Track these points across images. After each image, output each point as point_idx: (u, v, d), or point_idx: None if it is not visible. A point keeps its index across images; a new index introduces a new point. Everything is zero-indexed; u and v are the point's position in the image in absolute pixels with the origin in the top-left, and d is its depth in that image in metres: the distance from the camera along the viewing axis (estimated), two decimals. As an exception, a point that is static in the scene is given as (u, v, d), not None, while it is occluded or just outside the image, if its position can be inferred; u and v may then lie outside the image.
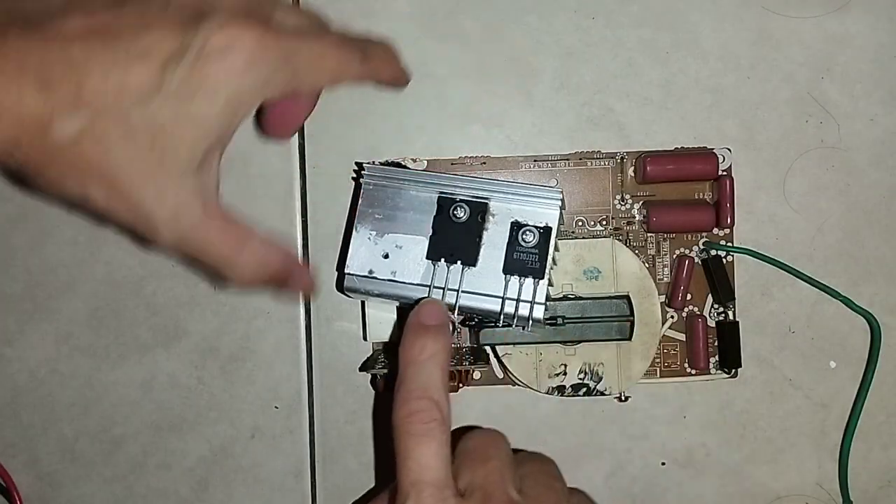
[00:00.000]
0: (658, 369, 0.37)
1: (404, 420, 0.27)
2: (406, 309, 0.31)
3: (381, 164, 0.35)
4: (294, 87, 0.28)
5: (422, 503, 0.26)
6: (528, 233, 0.32)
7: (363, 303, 0.36)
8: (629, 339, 0.34)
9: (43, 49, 0.24)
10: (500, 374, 0.37)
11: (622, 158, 0.37)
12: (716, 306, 0.37)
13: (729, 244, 0.37)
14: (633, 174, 0.37)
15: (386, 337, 0.37)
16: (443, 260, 0.32)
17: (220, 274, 0.29)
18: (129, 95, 0.24)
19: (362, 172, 0.33)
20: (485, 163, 0.37)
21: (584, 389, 0.35)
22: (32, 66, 0.24)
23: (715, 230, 0.37)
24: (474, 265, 0.32)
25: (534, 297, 0.31)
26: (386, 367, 0.35)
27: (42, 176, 0.25)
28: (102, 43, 0.24)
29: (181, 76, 0.25)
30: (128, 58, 0.24)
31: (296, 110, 0.32)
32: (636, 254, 0.36)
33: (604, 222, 0.37)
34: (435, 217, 0.32)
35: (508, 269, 0.32)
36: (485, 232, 0.32)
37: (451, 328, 0.30)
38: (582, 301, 0.35)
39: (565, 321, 0.34)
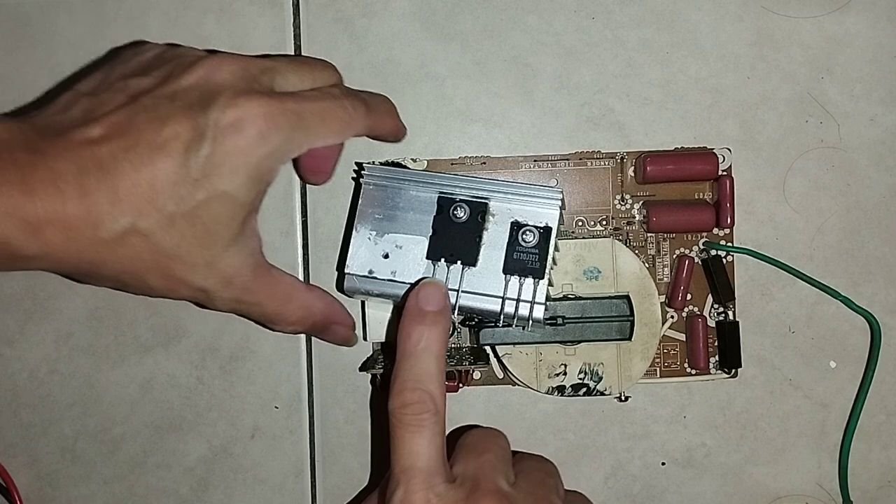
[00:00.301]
0: (658, 369, 0.37)
1: (398, 411, 0.28)
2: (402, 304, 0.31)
3: (381, 164, 0.35)
4: (308, 146, 0.29)
5: (411, 489, 0.27)
6: (528, 233, 0.32)
7: (363, 303, 0.36)
8: (629, 339, 0.35)
9: (75, 156, 0.25)
10: (500, 374, 0.37)
11: (622, 158, 0.37)
12: (716, 306, 0.37)
13: (729, 244, 0.37)
14: (633, 174, 0.37)
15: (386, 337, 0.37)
16: (443, 260, 0.32)
17: (269, 324, 0.32)
18: (161, 187, 0.26)
19: (362, 172, 0.33)
20: (485, 163, 0.37)
21: (584, 389, 0.35)
22: (69, 174, 0.25)
23: (715, 230, 0.37)
24: (474, 265, 0.32)
25: (534, 297, 0.31)
26: (386, 367, 0.35)
27: (98, 274, 0.27)
28: (125, 143, 0.26)
29: (203, 158, 0.27)
30: (151, 152, 0.26)
31: (326, 156, 0.33)
32: (636, 254, 0.36)
33: (604, 222, 0.37)
34: (435, 217, 0.32)
35: (508, 269, 0.32)
36: (485, 232, 0.32)
37: (450, 311, 0.30)
38: (582, 301, 0.35)
39: (565, 321, 0.34)
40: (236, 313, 0.31)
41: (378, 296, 0.32)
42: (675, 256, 0.37)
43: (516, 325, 0.32)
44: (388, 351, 0.37)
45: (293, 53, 0.37)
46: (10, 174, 0.24)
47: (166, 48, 0.30)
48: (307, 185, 0.38)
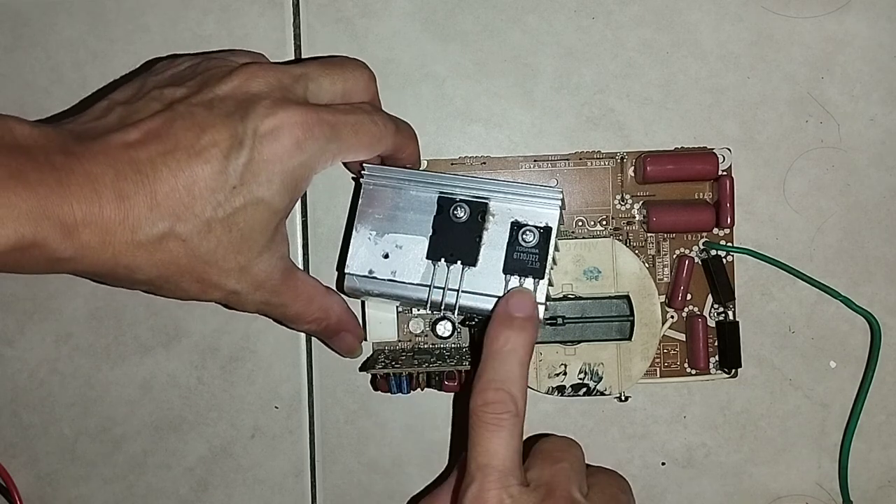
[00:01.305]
0: (658, 369, 0.37)
1: (479, 409, 0.28)
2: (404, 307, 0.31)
3: (382, 163, 0.35)
4: (341, 157, 0.30)
5: (486, 486, 0.27)
6: (528, 233, 0.32)
7: (363, 303, 0.36)
8: (629, 339, 0.35)
9: (112, 160, 0.26)
10: (500, 374, 0.37)
11: (622, 158, 0.37)
12: (716, 306, 0.37)
13: (729, 244, 0.37)
14: (633, 174, 0.37)
15: (386, 337, 0.37)
16: (443, 260, 0.32)
17: (288, 322, 0.33)
18: (199, 192, 0.26)
19: (362, 172, 0.33)
20: (485, 163, 0.37)
21: (584, 389, 0.35)
22: (106, 177, 0.25)
23: (715, 230, 0.37)
24: (474, 265, 0.32)
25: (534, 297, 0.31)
26: (386, 366, 0.35)
27: (132, 278, 0.27)
28: (164, 147, 0.26)
29: (242, 165, 0.27)
30: (190, 158, 0.26)
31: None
32: (636, 254, 0.36)
33: (604, 222, 0.37)
34: (435, 217, 0.32)
35: (508, 269, 0.31)
36: (485, 232, 0.32)
37: (539, 320, 0.31)
38: (582, 301, 0.35)
39: (565, 321, 0.34)
40: (261, 313, 0.32)
41: (378, 296, 0.32)
42: (675, 256, 0.37)
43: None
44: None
45: (293, 54, 0.37)
46: (47, 176, 0.24)
47: (201, 59, 0.31)
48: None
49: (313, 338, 0.38)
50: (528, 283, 0.31)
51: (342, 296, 0.34)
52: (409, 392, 0.35)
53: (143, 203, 0.26)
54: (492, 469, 0.27)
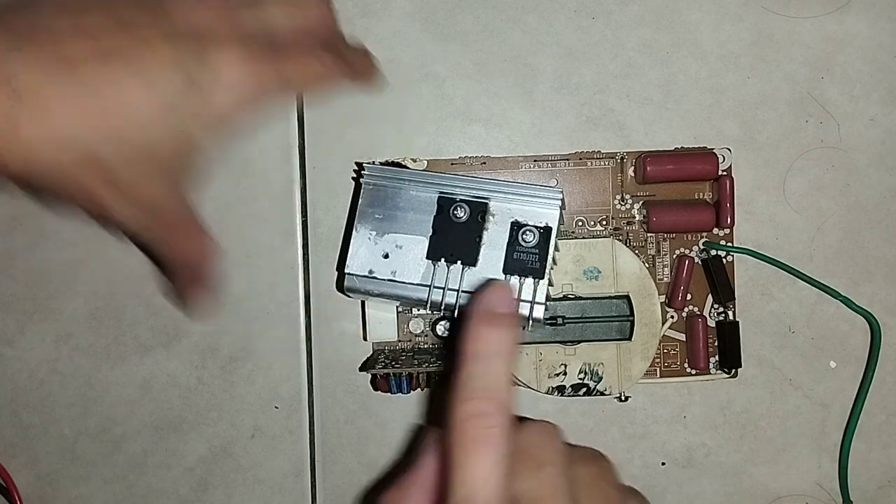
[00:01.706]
0: (658, 369, 0.37)
1: (463, 423, 0.24)
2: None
3: (381, 164, 0.35)
4: (288, 94, 0.30)
5: None
6: (528, 233, 0.32)
7: (363, 303, 0.36)
8: (629, 339, 0.35)
9: (51, 67, 0.25)
10: (500, 374, 0.37)
11: (622, 158, 0.37)
12: (716, 306, 0.37)
13: (729, 244, 0.37)
14: (633, 174, 0.37)
15: (386, 337, 0.37)
16: (443, 260, 0.32)
17: (160, 250, 0.31)
18: (135, 116, 0.26)
19: (362, 172, 0.33)
20: (485, 163, 0.37)
21: (584, 389, 0.35)
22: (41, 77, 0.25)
23: (715, 230, 0.37)
24: (474, 265, 0.32)
25: (534, 297, 0.31)
26: (386, 366, 0.35)
27: (35, 182, 0.26)
28: (109, 65, 0.26)
29: (185, 99, 0.27)
30: (137, 82, 0.26)
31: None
32: (636, 254, 0.36)
33: (604, 222, 0.37)
34: (435, 217, 0.32)
35: (508, 269, 0.31)
36: (485, 232, 0.32)
37: (518, 318, 0.29)
38: (582, 301, 0.35)
39: (565, 321, 0.34)
40: (137, 227, 0.30)
41: (378, 296, 0.32)
42: (675, 256, 0.37)
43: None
44: (390, 351, 0.37)
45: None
46: None
47: None
48: (307, 185, 0.38)
49: (313, 338, 0.38)
50: (528, 283, 0.31)
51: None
52: (409, 392, 0.35)
53: (68, 113, 0.25)
54: (479, 501, 0.23)
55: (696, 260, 0.37)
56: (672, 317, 0.37)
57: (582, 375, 0.35)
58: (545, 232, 0.32)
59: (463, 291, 0.32)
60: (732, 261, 0.37)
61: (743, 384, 0.38)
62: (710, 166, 0.36)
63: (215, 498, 0.38)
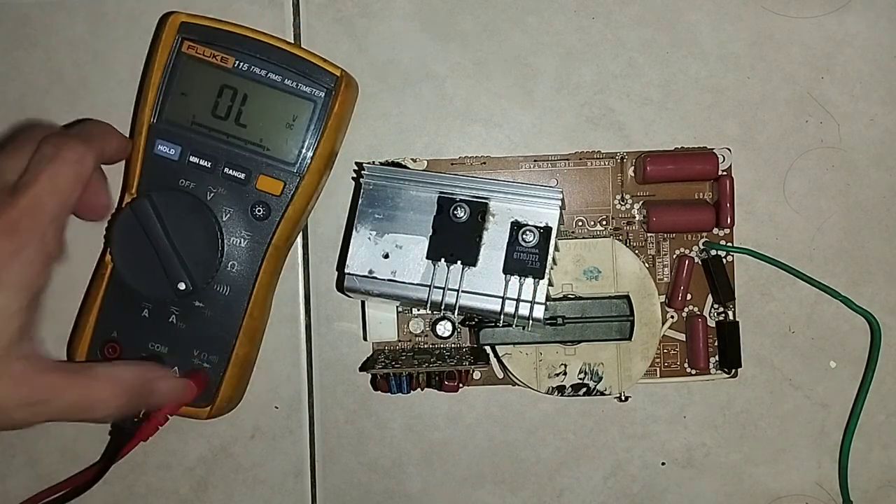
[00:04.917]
0: (658, 369, 0.37)
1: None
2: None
3: (381, 164, 0.35)
4: (63, 221, 0.30)
5: None
6: (528, 233, 0.32)
7: (363, 303, 0.36)
8: (629, 339, 0.34)
9: None
10: (500, 374, 0.37)
11: (622, 158, 0.37)
12: (716, 306, 0.37)
13: (729, 244, 0.37)
14: (633, 174, 0.37)
15: (386, 337, 0.37)
16: (443, 260, 0.32)
17: (87, 418, 0.29)
18: None
19: (362, 172, 0.33)
20: (485, 163, 0.37)
21: (584, 389, 0.35)
22: None
23: (715, 230, 0.37)
24: (474, 265, 0.32)
25: (534, 296, 0.31)
26: (386, 366, 0.35)
27: None
28: None
29: None
30: None
31: (91, 202, 0.32)
32: (636, 254, 0.36)
33: (604, 222, 0.37)
34: (435, 217, 0.32)
35: (508, 269, 0.31)
36: (485, 232, 0.32)
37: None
38: (582, 301, 0.35)
39: (565, 321, 0.34)
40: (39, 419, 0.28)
41: (378, 296, 0.32)
42: (675, 256, 0.37)
43: (516, 325, 0.32)
44: (390, 352, 0.37)
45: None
46: None
47: None
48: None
49: (313, 338, 0.38)
50: (528, 282, 0.31)
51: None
52: (409, 392, 0.35)
53: None
54: None
55: (696, 260, 0.37)
56: (672, 317, 0.37)
57: (582, 375, 0.35)
58: (545, 232, 0.32)
59: (463, 291, 0.32)
60: (732, 261, 0.37)
61: (743, 384, 0.38)
62: (710, 166, 0.36)
63: (215, 498, 0.38)
